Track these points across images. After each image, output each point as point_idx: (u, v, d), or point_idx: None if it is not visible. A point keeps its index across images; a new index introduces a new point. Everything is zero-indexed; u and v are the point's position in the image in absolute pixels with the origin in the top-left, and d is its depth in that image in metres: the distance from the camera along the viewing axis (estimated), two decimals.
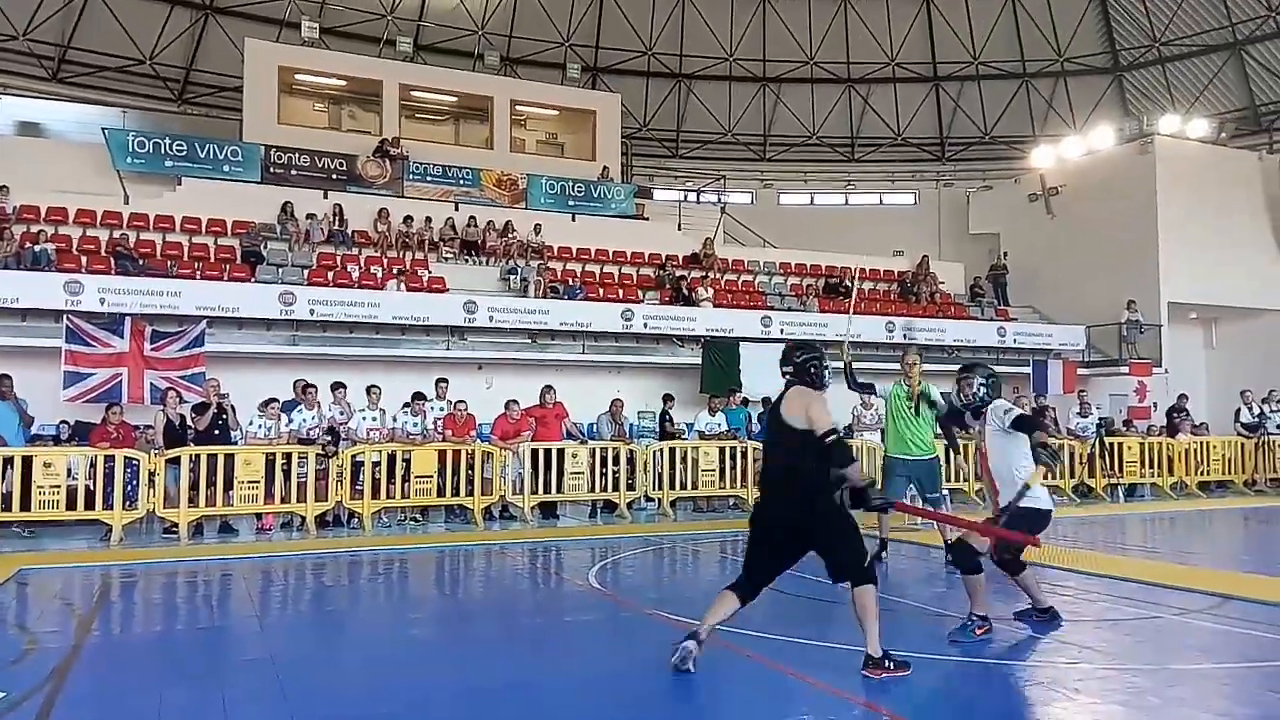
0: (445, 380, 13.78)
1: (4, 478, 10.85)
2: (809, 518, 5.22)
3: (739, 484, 14.14)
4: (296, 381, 13.16)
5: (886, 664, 5.14)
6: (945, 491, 10.80)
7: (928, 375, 21.21)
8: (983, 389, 6.36)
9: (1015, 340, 21.42)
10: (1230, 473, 17.47)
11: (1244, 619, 6.72)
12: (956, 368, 6.80)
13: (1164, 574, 8.50)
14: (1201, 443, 17.40)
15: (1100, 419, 16.79)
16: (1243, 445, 17.59)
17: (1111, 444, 16.36)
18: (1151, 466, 16.72)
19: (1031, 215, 25.13)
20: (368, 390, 12.97)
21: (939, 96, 28.77)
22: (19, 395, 12.22)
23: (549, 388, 13.90)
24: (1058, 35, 27.37)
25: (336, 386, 12.97)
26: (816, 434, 5.17)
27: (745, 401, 16.01)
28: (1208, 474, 17.24)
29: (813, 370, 5.54)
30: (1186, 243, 21.98)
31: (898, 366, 20.80)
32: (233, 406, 12.36)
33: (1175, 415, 18.26)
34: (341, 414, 12.76)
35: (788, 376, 5.59)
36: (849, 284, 22.52)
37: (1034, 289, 24.40)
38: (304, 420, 12.45)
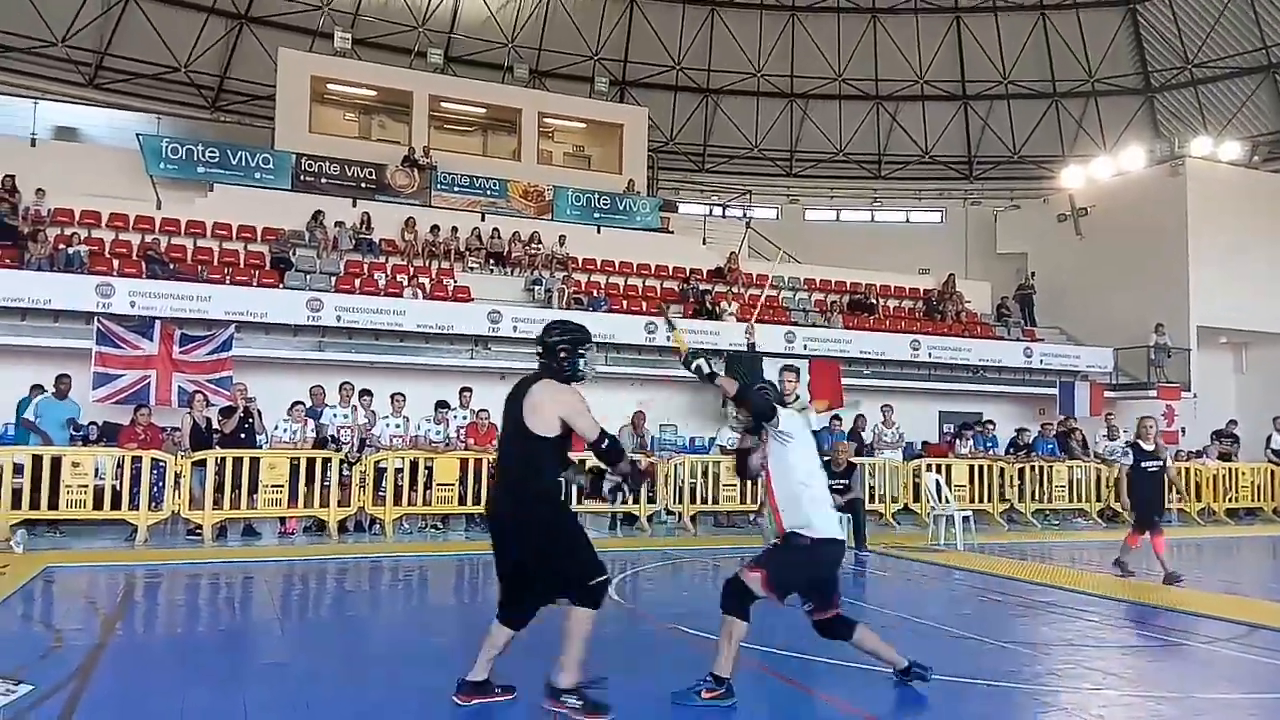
0: (469, 389, 13.85)
1: (35, 476, 10.96)
2: (531, 526, 4.68)
3: (760, 499, 14.08)
4: (313, 388, 13.27)
5: (573, 701, 4.60)
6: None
7: (948, 395, 20.95)
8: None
9: (1042, 361, 21.23)
10: (1259, 500, 17.22)
11: (1272, 649, 6.61)
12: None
13: (1190, 601, 8.39)
14: (1230, 469, 17.17)
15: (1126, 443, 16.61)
16: (1273, 472, 17.36)
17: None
18: (1178, 492, 16.49)
19: (1060, 235, 24.97)
20: (391, 398, 13.08)
21: (968, 115, 28.65)
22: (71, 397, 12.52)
23: None
24: (1089, 55, 27.21)
25: (364, 394, 13.11)
26: (588, 442, 4.66)
27: None
28: (1236, 501, 17.01)
29: (563, 354, 4.76)
30: (1217, 266, 21.76)
31: (920, 385, 20.62)
32: (259, 410, 12.48)
33: (1223, 439, 18.06)
34: (366, 421, 12.87)
35: (539, 358, 4.86)
36: (869, 301, 22.42)
37: (1061, 310, 24.21)
38: (334, 416, 12.60)
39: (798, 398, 8.73)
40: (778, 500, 5.09)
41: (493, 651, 4.83)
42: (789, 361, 8.92)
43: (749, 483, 13.85)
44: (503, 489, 4.96)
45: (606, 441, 4.68)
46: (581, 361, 4.82)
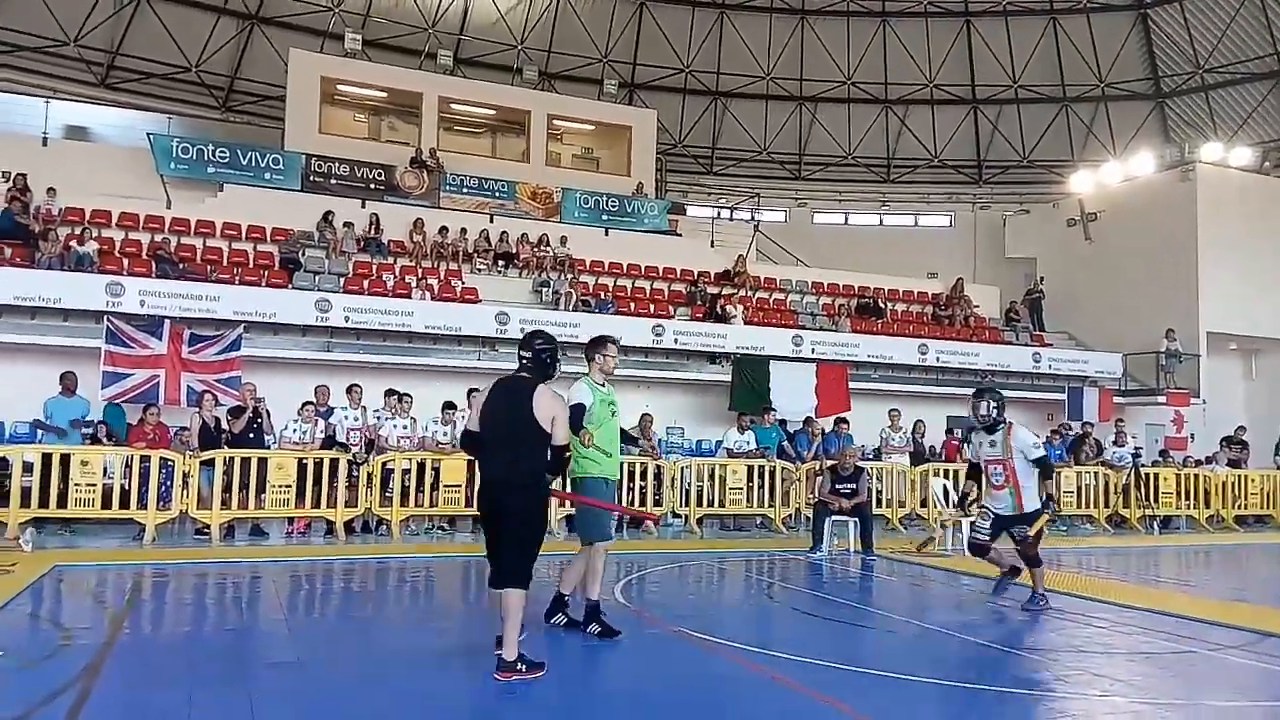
0: (477, 389, 13.80)
1: (44, 475, 10.97)
2: (510, 512, 5.58)
3: (767, 502, 14.08)
4: (318, 387, 13.26)
5: (519, 667, 5.38)
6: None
7: (956, 400, 20.86)
8: (995, 409, 7.90)
9: (1050, 366, 21.18)
10: (1268, 507, 17.14)
11: None
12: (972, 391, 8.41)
13: (1199, 608, 8.34)
14: (1239, 476, 17.10)
15: (1135, 450, 16.55)
16: None
17: (1147, 475, 16.12)
18: (1187, 498, 16.45)
19: (1069, 240, 24.92)
20: (400, 398, 13.07)
21: (977, 119, 28.62)
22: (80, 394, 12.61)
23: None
24: (1099, 60, 27.16)
25: (389, 394, 13.07)
26: (554, 443, 5.59)
27: (784, 422, 15.90)
28: (1245, 507, 16.93)
29: (547, 360, 5.90)
30: (1227, 272, 21.70)
31: (928, 390, 20.55)
32: (268, 411, 12.50)
33: (1232, 446, 17.99)
34: (375, 422, 12.83)
35: (524, 361, 5.89)
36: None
37: (1071, 315, 24.16)
38: (345, 418, 12.61)
39: (607, 387, 7.08)
40: (1021, 488, 7.88)
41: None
42: (608, 333, 7.56)
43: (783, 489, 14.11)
44: (497, 479, 5.70)
45: (567, 452, 5.74)
46: (559, 365, 5.98)
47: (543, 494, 5.72)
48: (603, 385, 6.93)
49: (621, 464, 12.96)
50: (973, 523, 8.15)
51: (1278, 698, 5.73)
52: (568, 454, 5.70)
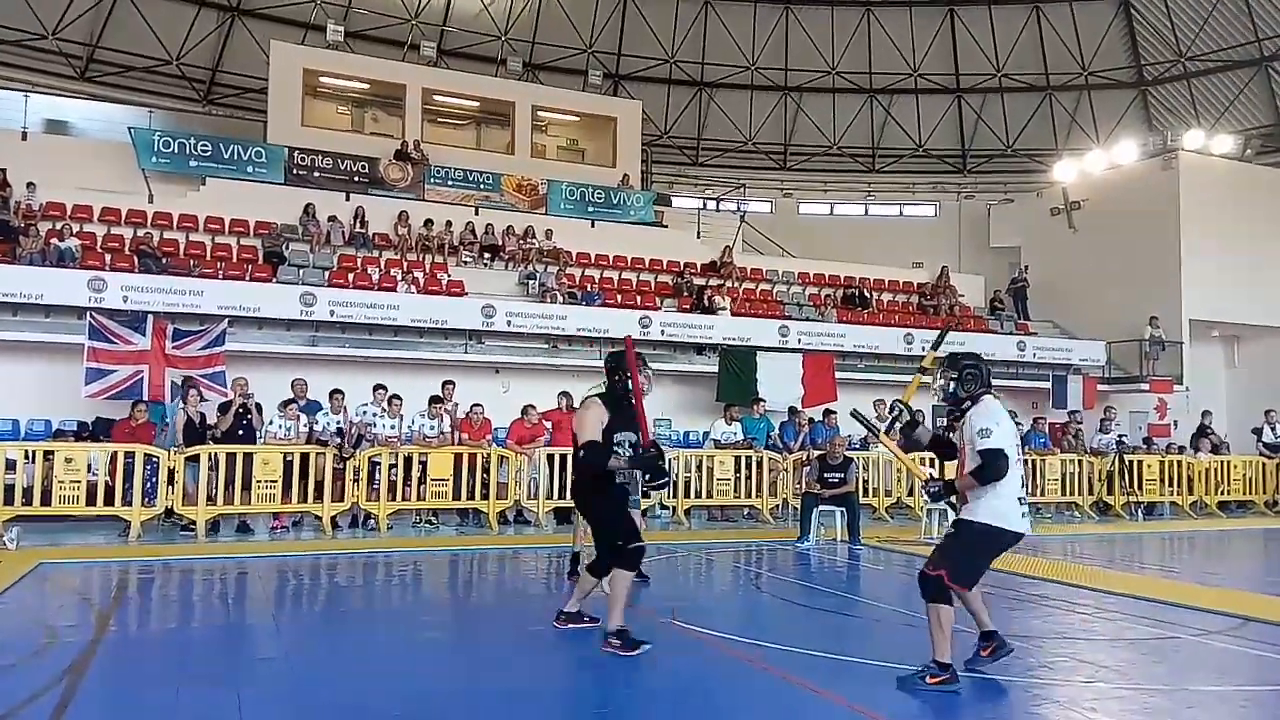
0: (452, 382, 13.80)
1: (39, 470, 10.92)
2: (583, 507, 6.72)
3: (754, 494, 14.12)
4: (295, 381, 13.14)
5: (614, 641, 5.90)
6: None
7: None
8: (954, 384, 5.49)
9: (1035, 355, 21.27)
10: (1251, 493, 17.31)
11: (1264, 641, 6.65)
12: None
13: (1182, 594, 8.42)
14: (1222, 462, 17.25)
15: (1119, 437, 16.67)
16: (1264, 465, 17.43)
17: (1131, 462, 16.24)
18: (1171, 485, 16.59)
19: (1053, 229, 25.01)
20: (390, 399, 12.98)
21: (961, 108, 28.67)
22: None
23: (566, 393, 13.93)
24: (1082, 48, 27.22)
25: (379, 388, 13.00)
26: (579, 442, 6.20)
27: (794, 411, 15.88)
28: (1228, 493, 17.10)
29: (616, 379, 6.44)
30: (1209, 260, 21.82)
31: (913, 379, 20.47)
32: (258, 405, 12.42)
33: (1208, 433, 18.13)
34: (361, 418, 12.70)
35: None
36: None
37: (1055, 303, 24.26)
38: (329, 423, 12.47)
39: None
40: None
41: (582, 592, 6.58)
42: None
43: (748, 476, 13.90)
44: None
45: (582, 451, 6.16)
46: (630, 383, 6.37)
47: (591, 486, 6.36)
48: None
49: None
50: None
51: (1261, 682, 5.79)
52: (580, 451, 6.18)
